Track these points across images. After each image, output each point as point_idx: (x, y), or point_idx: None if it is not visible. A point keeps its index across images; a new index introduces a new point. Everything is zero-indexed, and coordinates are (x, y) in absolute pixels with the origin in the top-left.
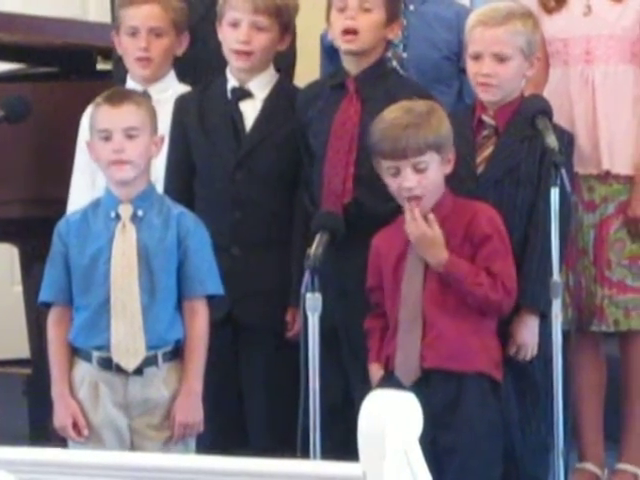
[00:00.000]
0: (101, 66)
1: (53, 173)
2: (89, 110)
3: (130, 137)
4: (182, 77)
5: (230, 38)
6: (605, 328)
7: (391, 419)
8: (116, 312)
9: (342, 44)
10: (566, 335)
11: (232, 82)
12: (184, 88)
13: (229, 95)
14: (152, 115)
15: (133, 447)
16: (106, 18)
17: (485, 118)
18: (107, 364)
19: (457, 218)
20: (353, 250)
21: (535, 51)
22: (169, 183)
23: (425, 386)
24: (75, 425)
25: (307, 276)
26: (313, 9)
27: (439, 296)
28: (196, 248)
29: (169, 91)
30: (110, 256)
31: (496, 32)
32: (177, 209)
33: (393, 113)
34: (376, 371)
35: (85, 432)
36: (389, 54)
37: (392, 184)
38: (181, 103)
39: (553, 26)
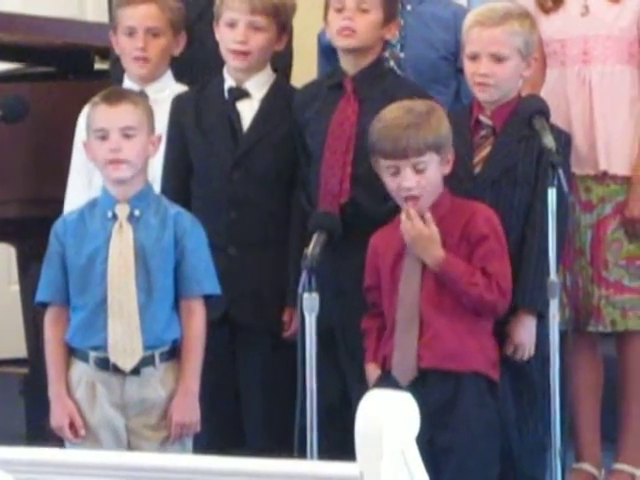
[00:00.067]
0: (99, 66)
1: (51, 173)
2: (86, 110)
3: (127, 136)
4: (179, 77)
5: (227, 38)
6: (602, 328)
7: (388, 419)
8: (113, 312)
9: (339, 41)
10: (563, 335)
11: (229, 82)
12: (181, 88)
13: (226, 95)
14: (149, 115)
15: (130, 447)
16: (104, 18)
17: (482, 118)
18: (104, 364)
19: (454, 218)
20: (350, 250)
21: (532, 51)
22: (166, 183)
23: (422, 386)
24: (72, 425)
25: (304, 276)
26: (310, 9)
27: (436, 296)
28: (193, 248)
29: (166, 91)
30: (107, 256)
31: (493, 32)
32: (174, 209)
33: (393, 113)
34: (373, 371)
35: (82, 432)
36: (386, 54)
37: (391, 183)
38: (178, 103)
39: (550, 26)
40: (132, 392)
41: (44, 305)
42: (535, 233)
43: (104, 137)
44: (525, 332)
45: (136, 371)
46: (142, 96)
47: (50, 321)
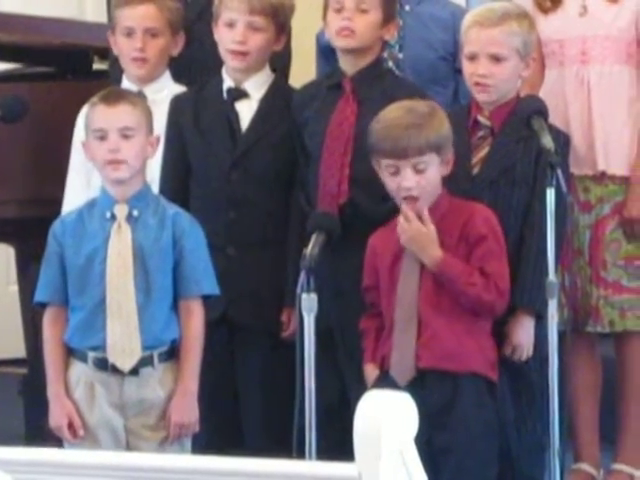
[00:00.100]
0: (98, 66)
1: (50, 173)
2: (84, 110)
3: (126, 137)
4: (178, 77)
5: (226, 38)
6: (600, 329)
7: (387, 419)
8: (112, 312)
9: (339, 41)
10: (562, 335)
11: (228, 82)
12: (179, 88)
13: (225, 95)
14: (148, 115)
15: (129, 447)
16: (103, 18)
17: (481, 119)
18: (103, 364)
19: (453, 218)
20: (349, 250)
21: (531, 51)
22: (165, 183)
23: (420, 386)
24: (71, 425)
25: (303, 276)
26: (309, 9)
27: (434, 297)
28: (192, 248)
29: (164, 91)
30: (106, 256)
31: (492, 32)
32: (172, 209)
33: (394, 112)
34: (371, 371)
35: (81, 432)
36: (385, 54)
37: (390, 183)
38: (177, 103)
39: (549, 26)
40: (131, 392)
41: (43, 305)
42: (534, 233)
43: (103, 137)
44: (523, 332)
45: (135, 371)
46: (140, 96)
47: (49, 321)
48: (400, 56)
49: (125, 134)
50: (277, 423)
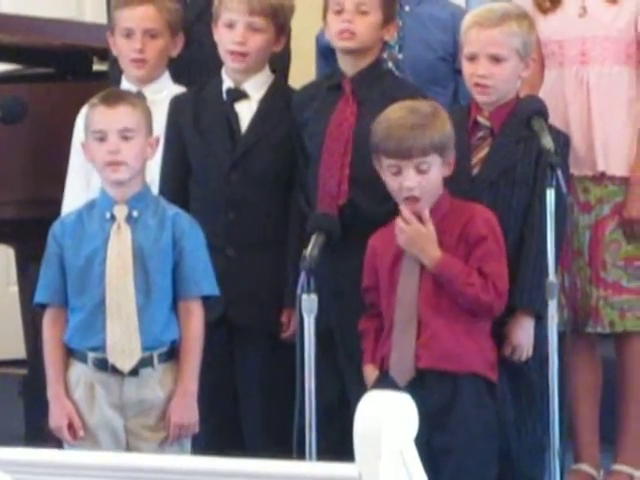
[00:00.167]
0: (97, 67)
1: (49, 174)
2: (84, 111)
3: (125, 138)
4: (177, 78)
5: (226, 39)
6: (600, 329)
7: (387, 420)
8: (111, 313)
9: (339, 43)
10: (562, 336)
11: (227, 83)
12: (179, 89)
13: (224, 96)
14: (147, 116)
15: (128, 448)
16: (102, 19)
17: (480, 119)
18: (102, 365)
19: (454, 219)
20: (348, 251)
21: (530, 52)
22: (164, 184)
23: (420, 387)
24: (71, 426)
25: (303, 277)
26: (308, 10)
27: (434, 297)
28: (191, 249)
29: (164, 92)
30: (105, 257)
31: (492, 33)
32: (172, 210)
33: (398, 112)
34: (371, 372)
35: (81, 433)
36: (385, 55)
37: (392, 183)
38: (176, 104)
39: (548, 27)
40: (131, 393)
41: (43, 306)
42: (533, 234)
43: (102, 139)
44: (523, 333)
45: (135, 372)
46: (140, 97)
47: (49, 322)
48: (400, 57)
49: (125, 135)
50: (277, 424)
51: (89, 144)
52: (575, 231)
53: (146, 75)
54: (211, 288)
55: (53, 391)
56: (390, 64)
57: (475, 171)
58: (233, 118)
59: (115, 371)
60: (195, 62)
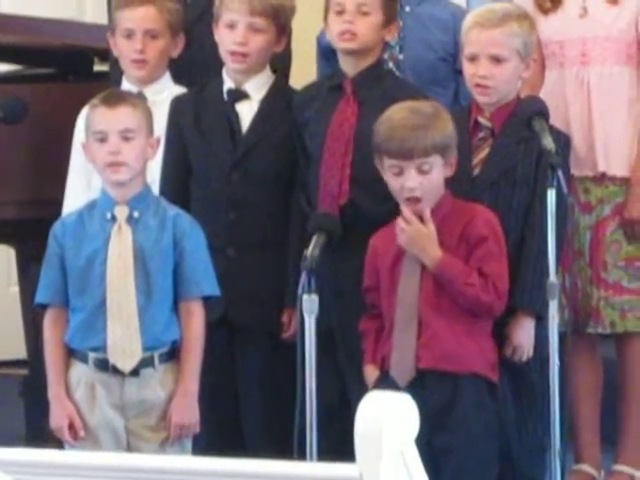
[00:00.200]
0: (98, 67)
1: (50, 174)
2: (84, 111)
3: (126, 139)
4: (178, 78)
5: (226, 39)
6: (601, 330)
7: (388, 420)
8: (112, 313)
9: (340, 44)
10: (562, 337)
11: (228, 83)
12: (180, 90)
13: (225, 96)
14: (148, 117)
15: (129, 448)
16: (103, 19)
17: (481, 120)
18: (103, 365)
19: (455, 219)
20: (349, 251)
21: (531, 52)
22: (165, 184)
23: (421, 387)
24: (71, 426)
25: (304, 277)
26: (309, 11)
27: (434, 297)
28: (192, 249)
29: (164, 92)
30: (106, 257)
31: (492, 33)
32: (173, 210)
33: (400, 113)
34: (371, 372)
35: (82, 433)
36: (385, 56)
37: (394, 183)
38: (177, 104)
39: (549, 27)
40: (131, 393)
41: (43, 306)
42: (534, 234)
43: (103, 139)
44: (524, 334)
45: (135, 372)
46: (141, 98)
47: (49, 322)
48: (400, 57)
49: (125, 136)
50: (278, 424)
51: (90, 145)
52: (576, 231)
53: (147, 76)
54: (212, 288)
55: (54, 391)
56: (391, 64)
57: (476, 172)
58: (234, 118)
59: (116, 371)
60: (196, 63)
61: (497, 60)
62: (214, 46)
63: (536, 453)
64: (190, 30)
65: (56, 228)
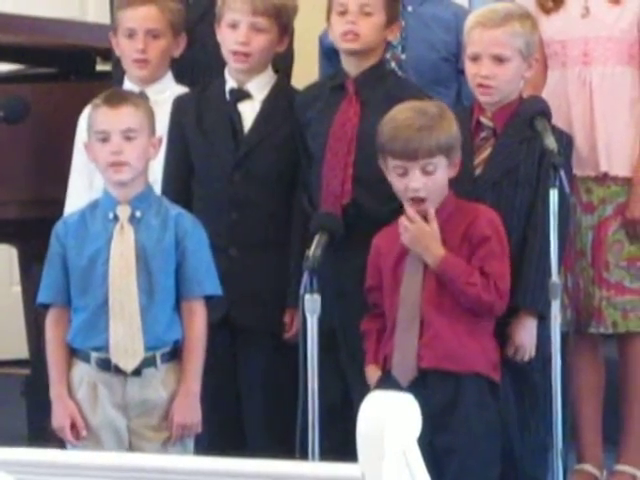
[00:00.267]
0: (100, 67)
1: (51, 174)
2: (86, 111)
3: (128, 139)
4: (180, 78)
5: (229, 39)
6: (603, 330)
7: (390, 420)
8: (114, 313)
9: (343, 44)
10: (564, 336)
11: (230, 83)
12: (182, 89)
13: (227, 96)
14: (150, 116)
15: (131, 448)
16: (105, 19)
17: (483, 120)
18: (105, 365)
19: (458, 219)
20: (352, 251)
21: (533, 52)
22: (167, 184)
23: (423, 387)
24: (73, 426)
25: (306, 277)
26: (311, 11)
27: (437, 297)
28: (194, 249)
29: (167, 92)
30: (108, 257)
31: (494, 33)
32: (175, 210)
33: (405, 113)
34: (373, 372)
35: (84, 433)
36: (388, 55)
37: (398, 184)
38: (179, 104)
39: (551, 27)
40: (133, 393)
41: (45, 306)
42: (537, 234)
43: (105, 139)
44: (526, 333)
45: (137, 372)
46: (143, 98)
47: (51, 322)
48: (402, 57)
49: (128, 136)
50: (280, 424)
51: (92, 144)
52: (578, 231)
53: (149, 75)
54: (214, 288)
55: (56, 391)
56: (393, 64)
57: (478, 171)
58: (236, 118)
59: (118, 371)
60: (198, 62)
61: (499, 60)
62: (216, 46)
63: (538, 453)
64: (192, 30)
65: (58, 228)
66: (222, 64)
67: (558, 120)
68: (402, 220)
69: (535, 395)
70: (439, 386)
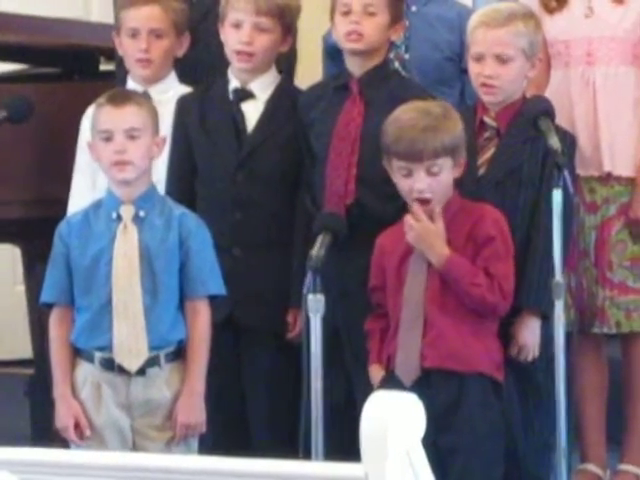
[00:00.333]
0: (104, 67)
1: (55, 173)
2: (90, 111)
3: (132, 138)
4: (184, 78)
5: (232, 39)
6: (607, 330)
7: (393, 420)
8: (118, 313)
9: (347, 44)
10: (568, 336)
11: (234, 83)
12: (185, 89)
13: (231, 96)
14: (154, 116)
15: (135, 448)
16: (109, 19)
17: (487, 119)
18: (109, 365)
19: (463, 219)
20: (355, 251)
21: (537, 52)
22: (171, 184)
23: (427, 387)
24: (77, 426)
25: (309, 277)
26: (315, 10)
27: (441, 297)
28: (198, 249)
29: (170, 92)
30: (112, 257)
31: (498, 33)
32: (179, 210)
33: (409, 114)
34: (377, 372)
35: (87, 432)
36: (391, 55)
37: (403, 184)
38: (183, 104)
39: (554, 27)
40: (137, 393)
41: (49, 306)
42: (540, 234)
43: (109, 138)
44: (529, 333)
45: (141, 372)
46: (146, 97)
47: (55, 322)
48: (406, 57)
49: (131, 135)
50: (284, 424)
51: (95, 144)
52: (581, 231)
53: (152, 75)
54: (218, 288)
55: (59, 391)
56: (397, 64)
57: (481, 171)
58: (239, 118)
59: (122, 371)
60: (201, 62)
61: (503, 60)
62: (219, 45)
63: (542, 452)
64: (195, 29)
65: (61, 227)
66: (225, 64)
67: (561, 120)
68: (407, 218)
69: (539, 395)
70: (443, 386)
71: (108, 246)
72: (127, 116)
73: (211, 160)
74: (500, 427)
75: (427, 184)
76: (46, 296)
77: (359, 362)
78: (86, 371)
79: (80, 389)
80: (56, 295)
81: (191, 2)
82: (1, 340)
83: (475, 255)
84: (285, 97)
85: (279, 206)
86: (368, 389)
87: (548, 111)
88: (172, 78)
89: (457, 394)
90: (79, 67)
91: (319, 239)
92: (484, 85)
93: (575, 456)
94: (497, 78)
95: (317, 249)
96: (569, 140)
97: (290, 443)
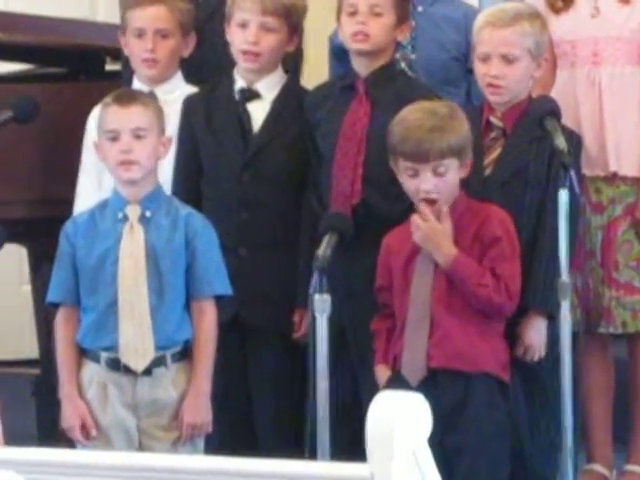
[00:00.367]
0: (110, 67)
1: (61, 173)
2: (96, 111)
3: (138, 137)
4: (190, 78)
5: (238, 39)
6: (613, 330)
7: (400, 420)
8: (124, 313)
9: (353, 44)
10: (574, 336)
11: (240, 83)
12: (191, 89)
13: (237, 96)
14: (160, 116)
15: (141, 448)
16: (115, 19)
17: (493, 119)
18: (115, 365)
19: (469, 220)
20: (361, 251)
21: (543, 52)
22: (177, 184)
23: (433, 387)
24: (83, 426)
25: (315, 277)
26: (321, 11)
27: (447, 297)
28: (204, 249)
29: (176, 92)
30: (118, 257)
31: (504, 33)
32: (185, 210)
33: (415, 114)
34: (383, 372)
35: (93, 432)
36: (397, 55)
37: (409, 185)
38: (189, 104)
39: (560, 27)
40: (143, 393)
41: (55, 305)
42: (546, 234)
43: (115, 138)
44: (535, 333)
45: (148, 372)
46: (152, 97)
47: (61, 321)
48: (412, 57)
49: (137, 134)
50: (290, 424)
51: (102, 143)
52: (587, 231)
53: (157, 75)
54: (224, 288)
55: (66, 391)
56: (403, 64)
57: (487, 171)
58: (245, 118)
59: (128, 371)
60: (207, 62)
61: (509, 60)
62: (225, 45)
63: (548, 453)
64: (201, 29)
65: (67, 227)
66: (231, 64)
67: (567, 120)
68: (414, 218)
69: (545, 395)
70: (449, 386)
71: (114, 246)
72: (133, 116)
73: (217, 160)
74: (506, 427)
75: (433, 184)
76: (52, 296)
77: (365, 362)
78: (92, 371)
79: (86, 389)
80: (62, 295)
81: (197, 2)
82: (7, 340)
83: (481, 255)
84: (291, 97)
85: (285, 206)
86: (374, 389)
87: (554, 111)
88: (178, 78)
89: (463, 394)
90: (85, 67)
91: (325, 239)
92: (490, 85)
93: (581, 456)
94: (503, 78)
95: (323, 249)
96: (575, 140)
97: (296, 443)
